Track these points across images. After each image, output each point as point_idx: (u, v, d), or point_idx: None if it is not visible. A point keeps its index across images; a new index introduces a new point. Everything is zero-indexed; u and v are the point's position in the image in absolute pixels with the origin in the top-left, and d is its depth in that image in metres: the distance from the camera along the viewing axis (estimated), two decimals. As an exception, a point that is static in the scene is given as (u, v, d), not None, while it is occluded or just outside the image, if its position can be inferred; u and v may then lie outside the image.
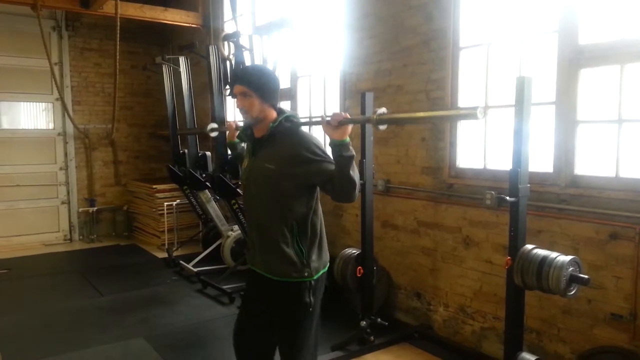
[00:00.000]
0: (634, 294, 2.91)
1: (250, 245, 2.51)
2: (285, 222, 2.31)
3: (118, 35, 5.28)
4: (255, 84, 2.33)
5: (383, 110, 2.07)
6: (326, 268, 2.46)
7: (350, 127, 2.16)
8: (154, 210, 7.41)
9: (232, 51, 4.54)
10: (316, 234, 2.38)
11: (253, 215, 2.45)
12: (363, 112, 3.86)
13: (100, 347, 4.04)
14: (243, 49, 4.44)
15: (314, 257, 2.35)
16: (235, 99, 2.43)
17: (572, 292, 2.72)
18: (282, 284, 2.33)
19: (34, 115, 7.85)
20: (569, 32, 3.21)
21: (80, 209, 8.00)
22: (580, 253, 3.08)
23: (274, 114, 2.38)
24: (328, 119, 2.14)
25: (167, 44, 8.31)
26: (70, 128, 7.82)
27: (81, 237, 8.03)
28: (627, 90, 2.98)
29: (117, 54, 5.38)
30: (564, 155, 3.28)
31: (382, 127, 2.09)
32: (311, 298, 2.33)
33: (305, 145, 2.26)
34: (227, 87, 4.70)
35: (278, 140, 2.33)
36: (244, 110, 2.36)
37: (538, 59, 3.48)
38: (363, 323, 3.88)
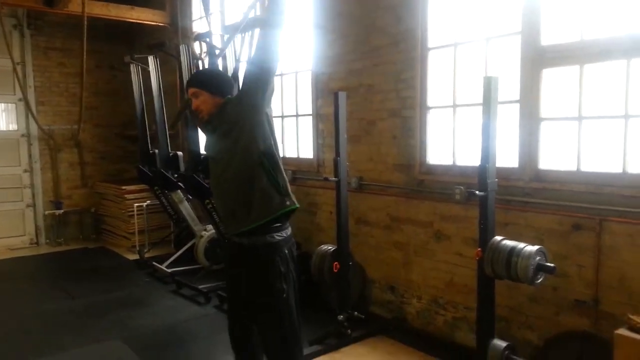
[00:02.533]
0: (596, 281, 3.09)
1: (226, 218, 2.64)
2: (256, 162, 2.46)
3: (85, 34, 5.19)
4: (202, 82, 2.62)
5: None
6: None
7: None
8: (123, 211, 7.32)
9: (204, 50, 4.54)
10: (281, 169, 2.57)
11: (224, 181, 2.56)
12: (336, 111, 3.95)
13: (77, 351, 4.00)
14: (215, 49, 4.45)
15: (287, 186, 2.56)
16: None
17: (539, 281, 2.88)
18: (262, 243, 2.50)
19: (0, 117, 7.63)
20: (531, 33, 3.37)
21: (47, 212, 7.83)
22: (545, 244, 3.24)
23: None
24: None
25: (133, 42, 8.19)
26: (34, 129, 7.64)
27: (48, 240, 7.86)
28: (586, 89, 3.16)
29: (85, 53, 5.29)
30: (528, 151, 3.44)
31: None
32: (287, 262, 2.54)
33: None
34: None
35: (224, 112, 2.57)
36: (198, 110, 2.61)
37: (502, 59, 3.64)
38: (340, 317, 3.98)
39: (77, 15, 6.05)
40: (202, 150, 5.42)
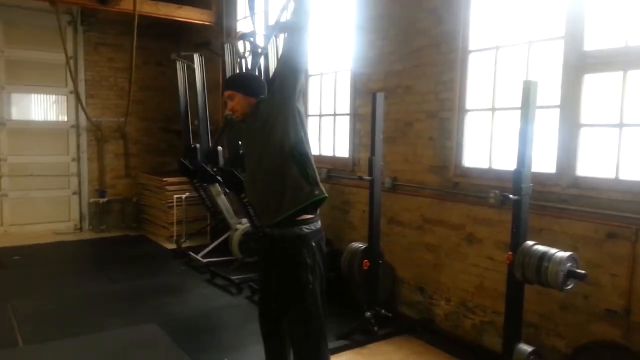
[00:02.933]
0: (629, 290, 3.04)
1: (260, 210, 2.76)
2: (287, 154, 2.56)
3: (135, 31, 5.43)
4: (236, 85, 2.82)
5: None
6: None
7: None
8: (163, 202, 7.57)
9: (248, 49, 4.68)
10: (311, 160, 2.66)
11: (258, 175, 2.67)
12: (374, 111, 4.01)
13: (115, 331, 4.19)
14: (258, 48, 4.58)
15: (317, 176, 2.65)
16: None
17: (569, 287, 2.86)
18: (291, 235, 2.60)
19: (48, 108, 8.04)
20: (574, 38, 3.34)
21: (91, 200, 8.18)
22: (579, 251, 3.20)
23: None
24: None
25: (178, 40, 8.46)
26: (83, 120, 8.01)
27: (91, 226, 8.21)
28: (628, 96, 3.11)
29: (135, 50, 5.53)
30: (567, 157, 3.41)
31: None
32: (314, 254, 2.63)
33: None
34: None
35: (258, 111, 2.71)
36: (233, 110, 2.78)
37: (544, 64, 3.61)
38: (368, 314, 4.03)
39: (128, 13, 6.33)
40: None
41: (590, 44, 3.29)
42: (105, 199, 8.21)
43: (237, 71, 5.20)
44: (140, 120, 8.57)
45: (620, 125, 3.15)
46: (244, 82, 2.86)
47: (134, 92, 7.88)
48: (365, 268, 4.06)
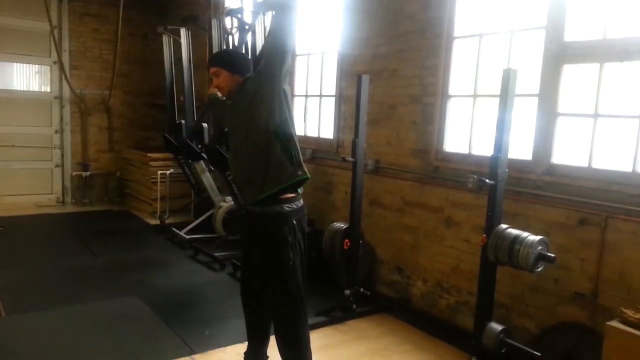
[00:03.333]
0: (596, 275, 3.18)
1: (243, 187, 2.83)
2: (271, 133, 2.61)
3: (122, 2, 5.36)
4: (222, 62, 2.83)
5: None
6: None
7: None
8: (147, 177, 7.56)
9: (235, 26, 4.67)
10: (296, 141, 2.71)
11: (242, 152, 2.72)
12: (359, 94, 4.05)
13: (97, 303, 4.24)
14: (246, 25, 4.57)
15: (300, 157, 2.70)
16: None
17: (539, 269, 2.98)
18: (272, 213, 2.66)
19: (30, 78, 7.91)
20: (555, 29, 3.41)
21: (74, 173, 8.14)
22: (552, 236, 3.32)
23: None
24: None
25: (165, 13, 8.35)
26: (66, 92, 7.91)
27: (73, 200, 8.19)
28: (604, 87, 3.21)
29: (120, 21, 5.46)
30: (543, 145, 3.51)
31: None
32: (295, 232, 2.69)
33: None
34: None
35: (244, 89, 2.74)
36: (219, 87, 2.82)
37: (526, 53, 3.69)
38: (347, 292, 4.14)
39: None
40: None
41: (571, 35, 3.36)
42: (88, 173, 8.17)
43: (224, 47, 5.19)
44: (124, 94, 8.49)
45: (595, 115, 3.25)
46: (230, 60, 2.86)
47: (118, 64, 7.82)
48: (346, 248, 4.16)
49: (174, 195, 7.57)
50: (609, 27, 3.18)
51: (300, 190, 2.78)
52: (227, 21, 4.70)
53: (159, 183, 7.33)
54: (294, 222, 2.71)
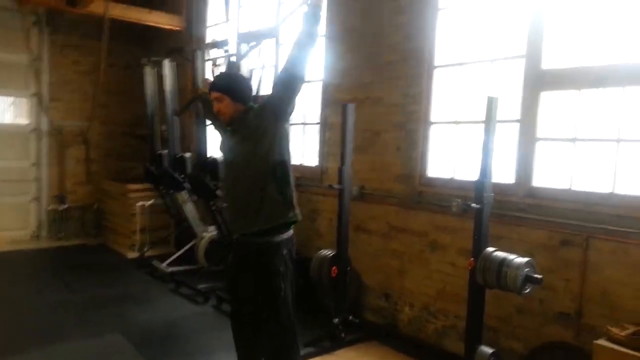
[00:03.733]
0: (580, 295, 3.25)
1: (235, 218, 2.82)
2: (270, 171, 2.63)
3: (107, 35, 5.40)
4: (226, 88, 2.76)
5: None
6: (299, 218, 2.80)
7: None
8: (125, 209, 7.43)
9: (222, 56, 4.74)
10: (292, 183, 2.74)
11: (238, 183, 2.73)
12: (344, 122, 4.13)
13: (77, 342, 4.10)
14: (231, 56, 4.65)
15: (295, 200, 2.73)
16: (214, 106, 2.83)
17: (526, 291, 3.03)
18: (264, 243, 2.66)
19: (8, 110, 7.79)
20: (533, 57, 3.57)
21: (50, 207, 7.94)
22: (535, 257, 3.37)
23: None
24: None
25: (147, 44, 8.38)
26: (44, 124, 7.81)
27: (49, 234, 7.96)
28: (582, 113, 3.35)
29: (105, 53, 5.49)
30: (524, 168, 3.62)
31: None
32: (286, 262, 2.71)
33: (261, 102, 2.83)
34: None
35: (245, 120, 2.74)
36: (220, 112, 2.77)
37: (506, 80, 3.83)
38: (336, 320, 4.11)
39: (96, 15, 6.28)
40: (210, 153, 5.63)
41: (548, 63, 3.52)
42: (65, 206, 7.98)
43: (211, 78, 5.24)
44: (103, 125, 8.38)
45: (574, 139, 3.38)
46: (234, 87, 2.79)
47: (98, 95, 7.79)
48: (334, 275, 4.15)
49: (154, 227, 7.43)
50: (585, 55, 3.34)
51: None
52: (214, 53, 4.77)
53: (138, 215, 7.22)
54: (285, 251, 2.73)
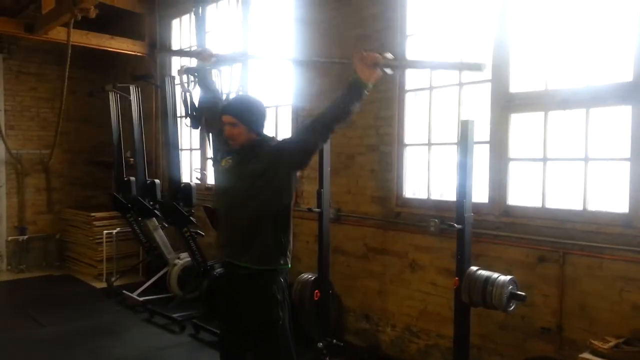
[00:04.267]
0: (559, 309, 3.36)
1: (225, 246, 2.74)
2: (271, 214, 2.59)
3: (68, 62, 5.27)
4: (243, 116, 2.64)
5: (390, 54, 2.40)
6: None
7: (379, 74, 2.43)
8: (90, 238, 7.21)
9: (192, 80, 4.68)
10: (290, 229, 2.71)
11: (235, 211, 2.66)
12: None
13: (52, 380, 3.95)
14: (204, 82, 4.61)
15: (289, 247, 2.69)
16: (224, 127, 2.70)
17: (511, 308, 3.12)
18: (258, 273, 2.61)
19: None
20: (500, 81, 3.70)
21: (9, 238, 7.62)
22: (513, 274, 3.47)
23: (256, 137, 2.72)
24: (365, 53, 2.39)
25: (108, 70, 8.23)
26: (1, 153, 7.51)
27: (9, 267, 7.62)
28: (550, 133, 3.50)
29: (66, 80, 5.36)
30: (498, 188, 3.74)
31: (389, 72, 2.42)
32: (283, 290, 2.67)
33: (277, 142, 2.72)
34: (187, 118, 4.85)
35: (257, 152, 2.65)
36: (231, 137, 2.66)
37: (475, 103, 3.96)
38: (320, 345, 4.09)
39: (53, 41, 6.11)
40: (184, 179, 5.55)
41: (516, 87, 3.67)
42: (25, 237, 7.69)
43: (176, 104, 5.18)
44: (64, 152, 8.13)
45: (544, 159, 3.52)
46: (250, 115, 2.67)
47: (59, 123, 7.55)
48: (316, 299, 4.14)
49: (120, 255, 7.24)
50: (550, 79, 3.50)
51: None
52: (184, 79, 4.72)
53: (104, 243, 7.01)
54: (282, 279, 2.69)
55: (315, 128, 2.55)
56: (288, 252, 2.67)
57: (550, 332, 3.40)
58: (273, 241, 2.60)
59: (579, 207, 3.34)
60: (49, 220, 8.02)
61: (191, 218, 5.27)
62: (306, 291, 4.22)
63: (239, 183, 2.67)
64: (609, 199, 3.34)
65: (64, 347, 4.62)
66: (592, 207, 3.31)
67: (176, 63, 6.98)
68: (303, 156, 2.60)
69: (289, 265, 2.69)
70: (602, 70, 3.29)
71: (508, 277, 3.11)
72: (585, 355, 2.83)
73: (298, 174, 2.74)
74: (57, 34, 6.13)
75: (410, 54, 4.32)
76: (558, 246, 3.36)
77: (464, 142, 3.28)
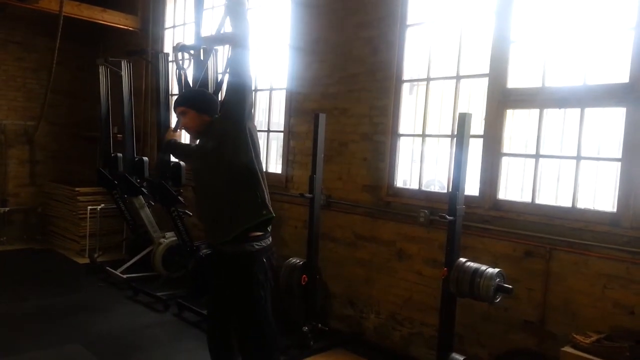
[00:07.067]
0: (543, 303, 3.44)
1: (211, 228, 2.81)
2: (237, 174, 2.66)
3: (59, 32, 5.15)
4: (190, 102, 2.84)
5: None
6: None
7: None
8: (74, 213, 7.13)
9: (186, 58, 4.62)
10: (261, 183, 2.74)
11: (209, 193, 2.76)
12: (316, 131, 4.16)
13: (34, 354, 3.90)
14: (198, 60, 4.56)
15: (267, 198, 2.74)
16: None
17: (497, 300, 3.18)
18: (243, 251, 2.67)
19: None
20: (498, 76, 3.73)
21: (-10, 209, 7.49)
22: (500, 267, 3.53)
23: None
24: None
25: (98, 43, 8.06)
26: (-15, 123, 7.35)
27: (-11, 239, 7.50)
28: (544, 131, 3.54)
29: (56, 51, 5.24)
30: (489, 182, 3.78)
31: None
32: (266, 271, 2.74)
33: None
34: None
35: (212, 130, 2.78)
36: (186, 127, 2.84)
37: (471, 96, 3.99)
38: (305, 328, 4.13)
39: (42, 11, 5.96)
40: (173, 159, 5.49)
41: (513, 83, 3.69)
42: (6, 209, 7.55)
43: (175, 81, 5.12)
44: (50, 125, 7.97)
45: (537, 156, 3.57)
46: (198, 100, 2.88)
47: (44, 94, 7.40)
48: (304, 283, 4.17)
49: (103, 231, 7.17)
50: (548, 76, 3.53)
51: (269, 229, 2.82)
52: (178, 56, 4.66)
53: (88, 219, 6.93)
54: (264, 260, 2.75)
55: (230, 71, 2.78)
56: (267, 203, 2.73)
57: (533, 325, 3.48)
58: (249, 195, 2.66)
59: (568, 205, 3.40)
60: (31, 193, 7.89)
61: (179, 198, 5.23)
62: (294, 276, 4.24)
63: (204, 163, 2.78)
64: (598, 198, 3.41)
65: (46, 322, 4.58)
66: (581, 205, 3.37)
67: (170, 39, 6.90)
68: (237, 103, 2.65)
69: (273, 215, 2.75)
70: (599, 71, 3.34)
71: (496, 270, 3.16)
72: (567, 349, 2.90)
73: (253, 125, 2.80)
74: (49, 3, 6.01)
75: (410, 44, 4.32)
76: (545, 242, 3.43)
77: (461, 135, 3.30)
